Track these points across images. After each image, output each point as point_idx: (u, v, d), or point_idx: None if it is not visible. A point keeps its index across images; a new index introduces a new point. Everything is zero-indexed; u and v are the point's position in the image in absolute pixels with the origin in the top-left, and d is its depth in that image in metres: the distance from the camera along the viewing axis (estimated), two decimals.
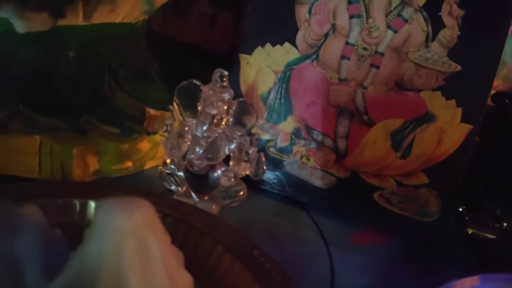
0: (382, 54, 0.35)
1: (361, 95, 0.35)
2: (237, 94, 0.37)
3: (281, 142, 0.36)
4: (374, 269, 0.31)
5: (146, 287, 0.19)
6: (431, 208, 0.34)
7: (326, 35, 0.36)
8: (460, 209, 0.40)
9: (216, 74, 0.28)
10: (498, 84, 0.60)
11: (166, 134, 0.31)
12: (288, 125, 0.36)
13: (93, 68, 0.35)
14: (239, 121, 0.30)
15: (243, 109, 0.30)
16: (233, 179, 0.31)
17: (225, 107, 0.29)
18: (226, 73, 0.28)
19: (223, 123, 0.29)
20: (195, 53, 0.47)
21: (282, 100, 0.36)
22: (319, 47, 0.36)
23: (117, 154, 0.33)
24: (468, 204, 0.40)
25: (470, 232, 0.37)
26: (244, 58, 0.37)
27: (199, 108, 0.29)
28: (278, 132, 0.36)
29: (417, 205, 0.35)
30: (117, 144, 0.33)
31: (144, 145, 0.35)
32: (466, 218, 0.39)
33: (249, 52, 0.37)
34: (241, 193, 0.32)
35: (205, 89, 0.29)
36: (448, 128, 0.34)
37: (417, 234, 0.34)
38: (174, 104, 0.30)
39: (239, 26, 0.51)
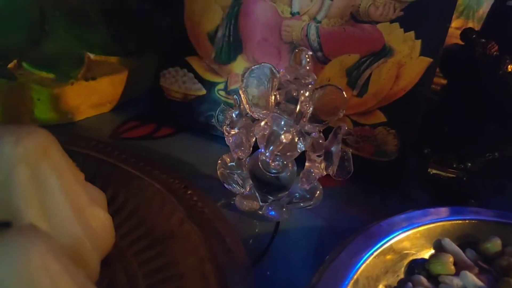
0: None
1: (314, 30, 0.33)
2: (181, 32, 0.34)
3: (232, 84, 0.34)
4: (326, 210, 0.30)
5: (46, 220, 0.17)
6: (389, 147, 0.33)
7: None
8: (425, 151, 0.39)
9: (299, 54, 0.23)
10: (473, 25, 0.57)
11: (229, 129, 0.25)
12: (239, 65, 0.34)
13: (23, 8, 0.32)
14: (320, 110, 0.24)
15: (328, 95, 0.24)
16: (313, 181, 0.26)
17: (307, 95, 0.23)
18: (310, 52, 0.23)
19: (306, 115, 0.24)
20: None
21: (231, 38, 0.34)
22: None
23: (51, 100, 0.31)
24: (433, 146, 0.39)
25: (432, 172, 0.36)
26: None
27: (274, 97, 0.24)
28: (228, 73, 0.34)
29: (374, 145, 0.33)
30: (51, 89, 0.31)
31: (82, 91, 0.33)
32: (431, 160, 0.38)
33: None
34: (317, 194, 0.27)
35: (282, 73, 0.23)
36: (407, 62, 0.32)
37: (374, 175, 0.33)
38: (240, 92, 0.25)
39: None
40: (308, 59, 0.23)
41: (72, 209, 0.18)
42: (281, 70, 0.24)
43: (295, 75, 0.23)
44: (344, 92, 0.24)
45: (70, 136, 0.27)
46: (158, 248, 0.22)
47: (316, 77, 0.24)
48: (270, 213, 0.28)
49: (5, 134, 0.17)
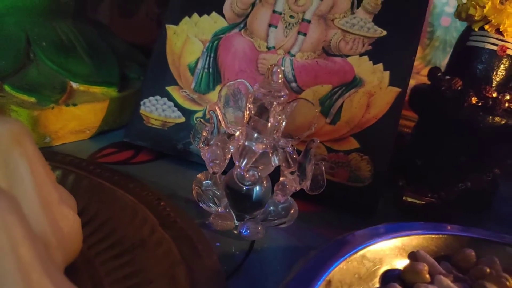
0: (309, 22, 0.35)
1: (289, 63, 0.35)
2: (163, 63, 0.36)
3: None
4: (301, 231, 0.29)
5: None
6: (363, 173, 0.34)
7: (253, 4, 0.36)
8: (400, 183, 0.40)
9: (271, 69, 0.24)
10: None
11: (204, 145, 0.26)
12: (217, 94, 0.35)
13: (10, 37, 0.34)
14: (293, 125, 0.25)
15: (301, 110, 0.25)
16: (288, 194, 0.26)
17: (279, 108, 0.24)
18: (283, 68, 0.25)
19: (279, 129, 0.25)
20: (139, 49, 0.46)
21: (211, 69, 0.35)
22: (247, 16, 0.36)
23: (31, 122, 0.31)
24: (407, 178, 0.40)
25: (408, 200, 0.36)
26: (171, 28, 0.36)
27: (248, 112, 0.25)
28: (207, 102, 0.35)
29: (349, 170, 0.34)
30: (30, 111, 0.31)
31: (63, 116, 0.33)
32: (406, 191, 0.38)
33: (176, 22, 0.36)
34: (292, 211, 0.27)
35: (255, 88, 0.25)
36: (377, 92, 0.34)
37: (349, 200, 0.33)
38: (216, 108, 0.26)
39: None
40: (280, 75, 0.25)
41: (40, 202, 0.18)
42: (256, 84, 0.25)
43: (269, 89, 0.25)
44: (314, 106, 0.25)
45: (46, 152, 0.27)
46: (127, 257, 0.21)
47: (288, 92, 0.25)
48: (245, 233, 0.27)
49: None
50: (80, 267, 0.21)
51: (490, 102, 0.38)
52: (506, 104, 0.38)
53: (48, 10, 0.36)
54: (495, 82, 0.39)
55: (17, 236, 0.12)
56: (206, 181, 0.28)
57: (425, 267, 0.22)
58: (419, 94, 0.42)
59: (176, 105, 0.35)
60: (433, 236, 0.25)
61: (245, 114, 0.25)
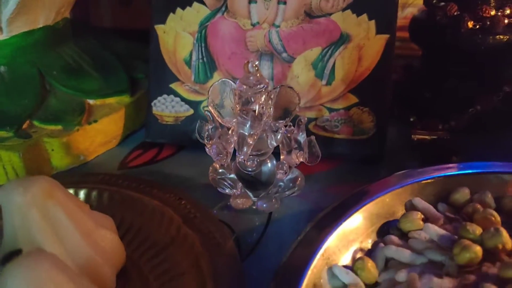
0: None
1: (276, 35, 0.36)
2: (162, 64, 0.38)
3: None
4: (314, 194, 0.32)
5: (61, 247, 0.21)
6: (366, 125, 0.35)
7: None
8: (411, 119, 0.41)
9: (247, 65, 0.27)
10: None
11: (208, 141, 0.29)
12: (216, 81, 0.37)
13: (25, 76, 0.38)
14: (280, 108, 0.28)
15: (284, 95, 0.28)
16: (288, 171, 0.29)
17: (263, 98, 0.27)
18: (257, 62, 0.27)
19: (266, 115, 0.28)
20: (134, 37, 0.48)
21: (204, 58, 0.38)
22: None
23: (63, 148, 0.36)
24: (418, 113, 0.41)
25: (416, 138, 0.38)
26: (160, 28, 0.38)
27: (237, 106, 0.28)
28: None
29: (352, 125, 0.35)
30: (60, 139, 0.36)
31: (88, 134, 0.37)
32: (417, 126, 0.39)
33: (163, 21, 0.38)
34: (298, 180, 0.31)
35: (238, 84, 0.27)
36: (366, 44, 0.35)
37: (358, 153, 0.35)
38: (210, 108, 0.29)
39: None
40: (256, 68, 0.27)
41: (81, 234, 0.22)
42: (237, 81, 0.27)
43: (249, 84, 0.27)
44: (295, 90, 0.27)
45: (80, 175, 0.32)
46: (163, 255, 0.26)
47: (267, 82, 0.27)
48: (263, 206, 0.31)
49: (15, 186, 0.21)
50: (129, 268, 0.26)
51: (488, 22, 0.37)
52: (506, 20, 0.37)
53: (49, 40, 0.39)
54: None
55: (62, 283, 0.16)
56: (220, 170, 0.31)
57: (418, 215, 0.25)
58: (417, 26, 0.42)
59: (183, 99, 0.38)
60: (428, 181, 0.27)
61: (235, 107, 0.28)
